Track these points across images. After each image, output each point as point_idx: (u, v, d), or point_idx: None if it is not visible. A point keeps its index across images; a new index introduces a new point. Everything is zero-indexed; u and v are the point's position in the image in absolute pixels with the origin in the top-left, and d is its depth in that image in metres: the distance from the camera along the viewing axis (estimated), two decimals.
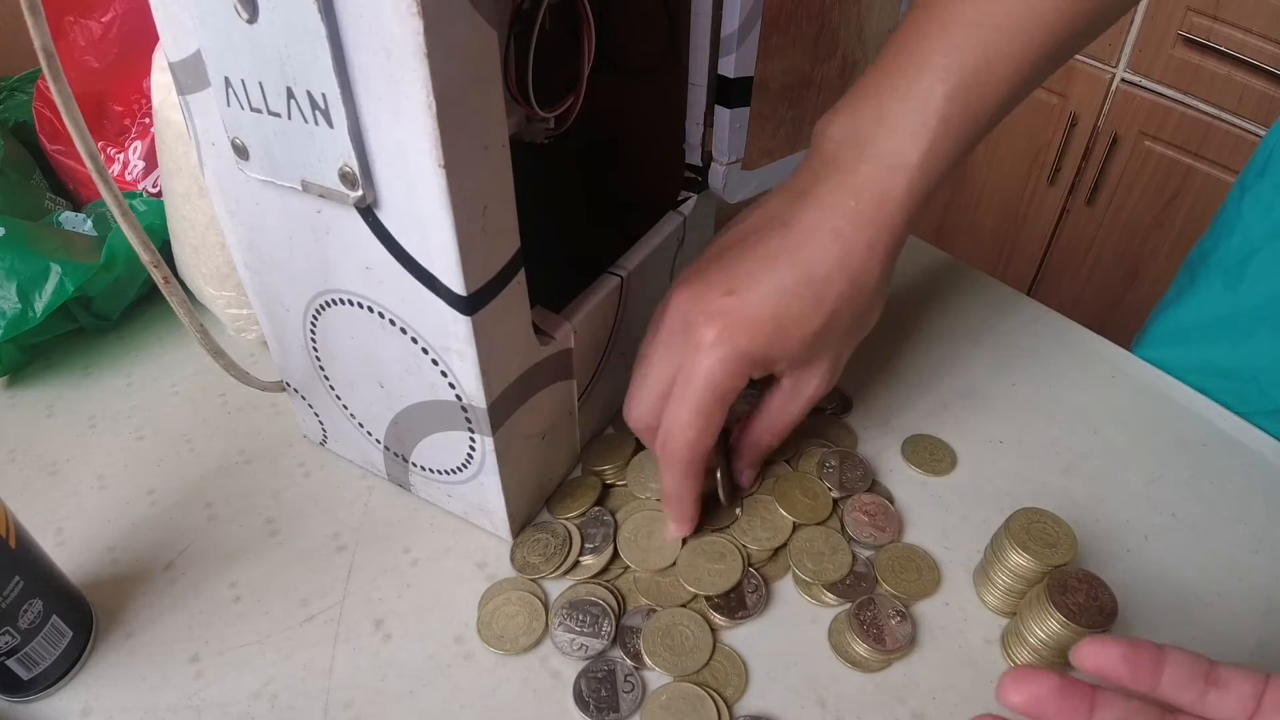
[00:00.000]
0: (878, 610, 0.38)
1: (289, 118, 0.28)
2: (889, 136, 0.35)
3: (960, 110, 0.34)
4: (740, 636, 0.38)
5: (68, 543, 0.41)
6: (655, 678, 0.36)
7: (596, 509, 0.42)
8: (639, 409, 0.38)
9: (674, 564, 0.39)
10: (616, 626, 0.37)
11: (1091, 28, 0.36)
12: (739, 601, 0.38)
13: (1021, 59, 0.34)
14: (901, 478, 0.45)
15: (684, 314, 0.36)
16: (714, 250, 0.38)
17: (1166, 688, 0.26)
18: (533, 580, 0.39)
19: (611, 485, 0.43)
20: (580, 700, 0.35)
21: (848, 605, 0.38)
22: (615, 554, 0.40)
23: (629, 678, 0.35)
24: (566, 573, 0.39)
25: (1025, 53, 0.34)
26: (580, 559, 0.40)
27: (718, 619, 0.37)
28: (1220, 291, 0.54)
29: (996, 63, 0.34)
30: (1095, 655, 0.26)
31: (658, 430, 0.37)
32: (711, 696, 0.34)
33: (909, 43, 0.36)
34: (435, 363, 0.34)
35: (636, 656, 0.36)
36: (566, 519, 0.41)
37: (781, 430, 0.40)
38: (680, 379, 0.36)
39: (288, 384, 0.43)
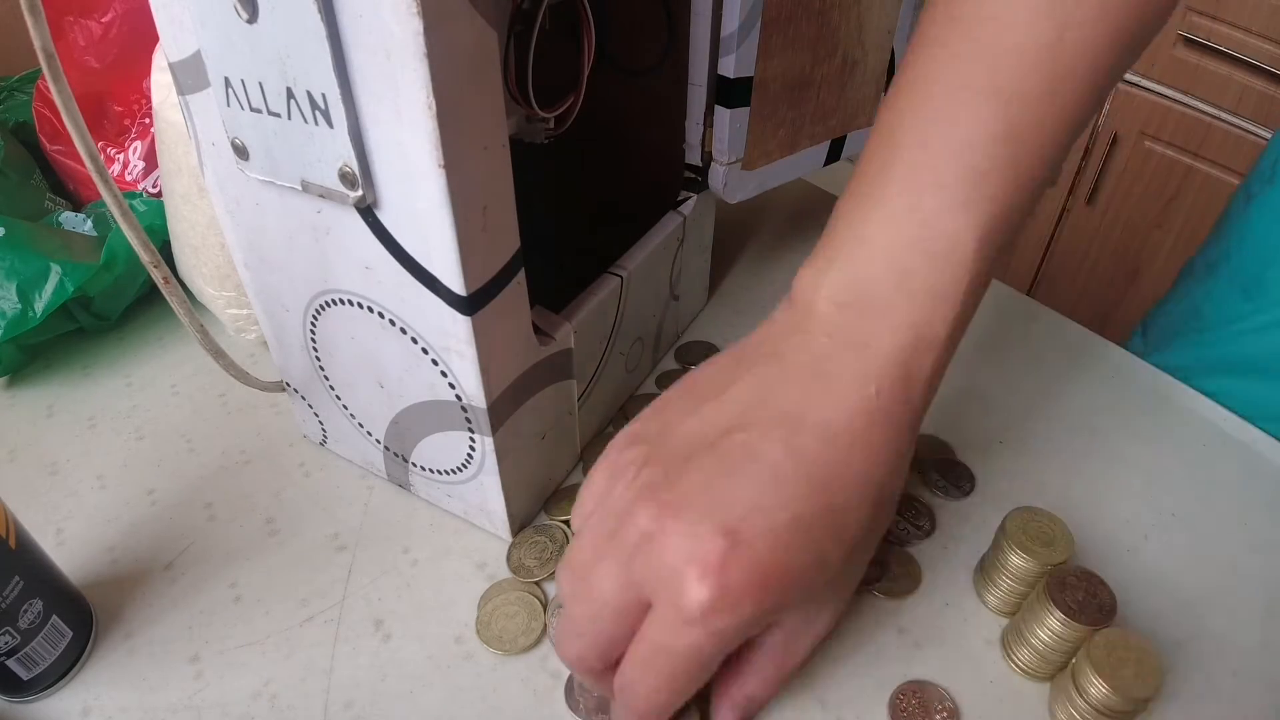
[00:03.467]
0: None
1: (289, 118, 0.28)
2: (909, 305, 0.27)
3: (991, 254, 0.27)
4: None
5: (68, 543, 0.41)
6: None
7: None
8: (586, 651, 0.28)
9: None
10: None
11: (1116, 73, 0.28)
12: None
13: (1046, 158, 0.27)
14: None
15: (673, 559, 0.26)
16: (684, 427, 0.28)
17: None
18: (531, 582, 0.39)
19: None
20: (571, 700, 0.35)
21: None
22: None
23: None
24: None
25: (1048, 154, 0.27)
26: None
27: None
28: (1239, 303, 0.54)
29: (1028, 157, 0.27)
30: None
31: (608, 673, 0.29)
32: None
33: (915, 165, 0.28)
34: (435, 363, 0.34)
35: None
36: (563, 521, 0.41)
37: (782, 680, 0.32)
38: (652, 644, 0.27)
39: (288, 384, 0.43)
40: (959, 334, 0.28)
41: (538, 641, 0.37)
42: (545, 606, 0.38)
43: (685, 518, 0.26)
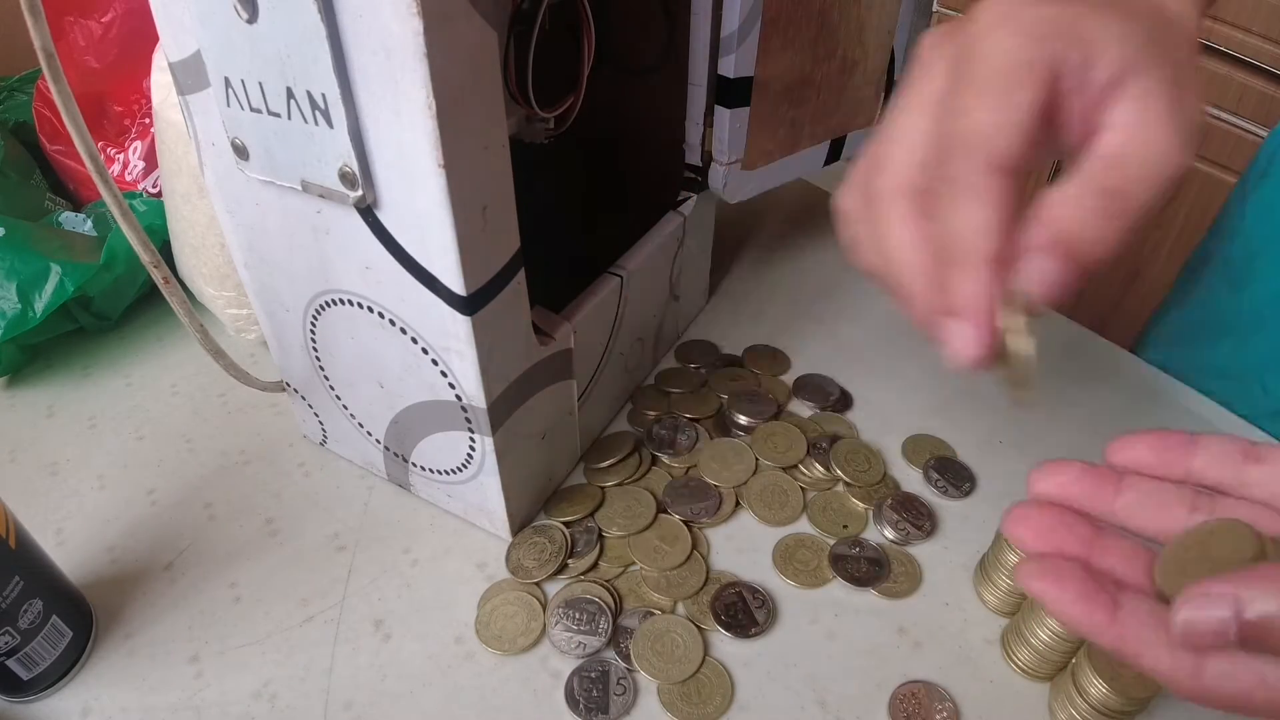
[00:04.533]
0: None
1: (289, 118, 0.28)
2: None
3: None
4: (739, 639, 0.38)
5: (68, 543, 0.41)
6: (647, 681, 0.36)
7: (589, 521, 0.41)
8: (897, 161, 0.25)
9: (695, 674, 0.36)
10: (613, 625, 0.37)
11: None
12: (748, 619, 0.37)
13: None
14: (901, 478, 0.45)
15: (937, 38, 0.26)
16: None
17: (1201, 470, 0.24)
18: (530, 583, 0.39)
19: (613, 486, 0.43)
20: (571, 699, 0.35)
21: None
22: (599, 558, 0.40)
23: (621, 680, 0.35)
24: (559, 575, 0.40)
25: None
26: (568, 562, 0.40)
27: (727, 636, 0.37)
28: (1224, 293, 0.54)
29: None
30: (1123, 449, 0.26)
31: (919, 193, 0.25)
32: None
33: None
34: (435, 363, 0.34)
35: (629, 659, 0.36)
36: (563, 522, 0.41)
37: (1127, 180, 0.23)
38: (957, 75, 0.24)
39: (288, 384, 0.43)
40: None
41: (537, 641, 0.37)
42: (544, 606, 0.38)
43: (958, 22, 0.25)
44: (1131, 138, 0.23)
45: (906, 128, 0.26)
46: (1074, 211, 0.23)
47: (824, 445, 0.45)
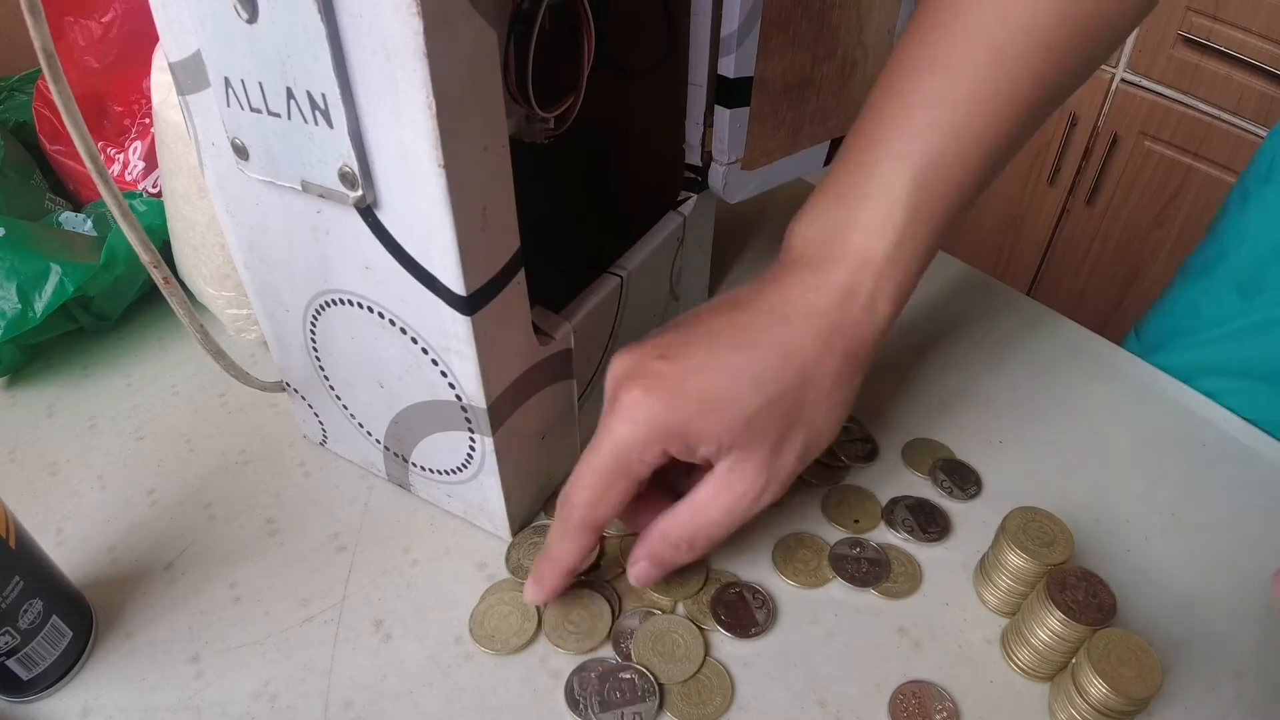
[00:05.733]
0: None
1: (289, 118, 0.28)
2: (855, 233, 0.33)
3: (928, 198, 0.33)
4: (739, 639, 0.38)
5: (68, 543, 0.41)
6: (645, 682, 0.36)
7: None
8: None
9: (697, 673, 0.36)
10: (612, 626, 0.37)
11: (1062, 90, 0.33)
12: (749, 619, 0.37)
13: (990, 134, 0.32)
14: (902, 478, 0.45)
15: (614, 377, 0.33)
16: (668, 324, 0.36)
17: None
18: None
19: None
20: (571, 699, 0.35)
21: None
22: (600, 558, 0.40)
23: (623, 675, 0.35)
24: None
25: (994, 127, 0.32)
26: None
27: (728, 636, 0.37)
28: (1236, 301, 0.54)
29: (964, 142, 0.32)
30: None
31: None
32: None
33: (872, 130, 0.34)
34: (435, 363, 0.34)
35: (629, 658, 0.36)
36: None
37: (696, 531, 0.34)
38: (593, 439, 0.33)
39: (288, 384, 0.43)
40: (903, 262, 0.33)
41: (531, 641, 0.37)
42: (538, 607, 0.38)
43: (639, 356, 0.33)
44: (715, 496, 0.33)
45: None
46: (662, 545, 0.34)
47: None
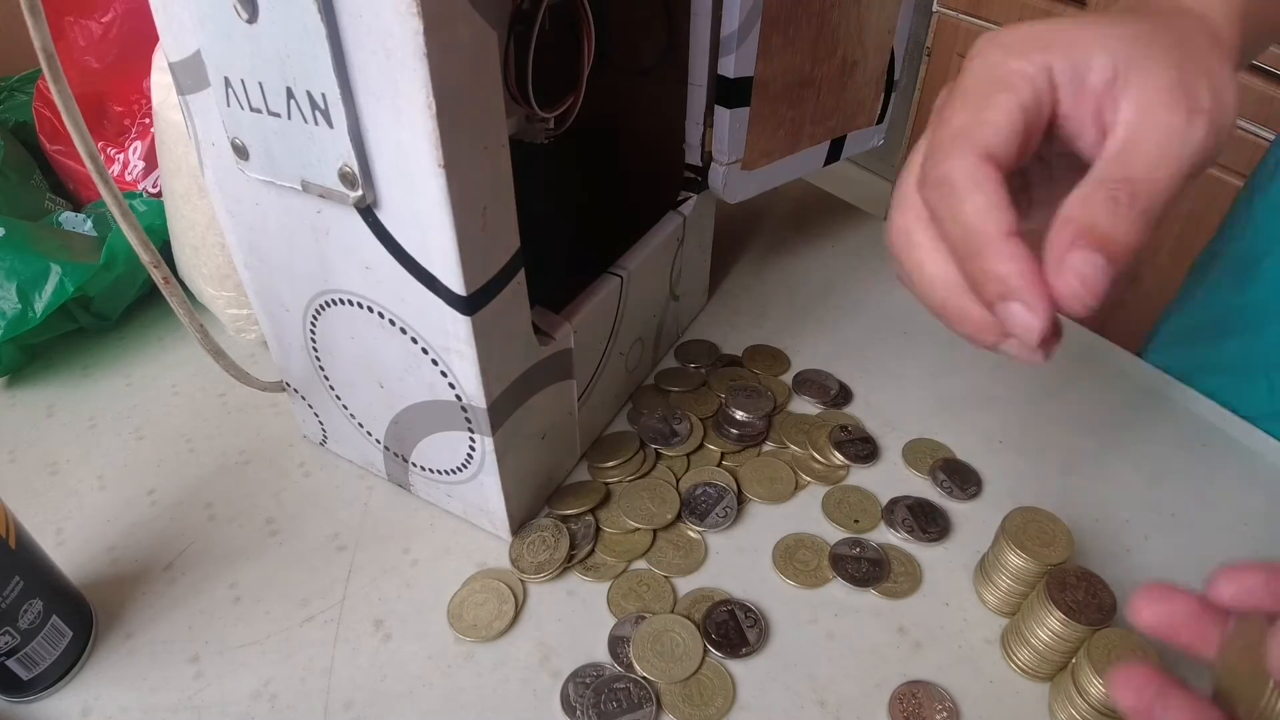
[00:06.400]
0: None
1: (289, 118, 0.28)
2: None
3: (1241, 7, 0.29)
4: None
5: (68, 543, 0.41)
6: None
7: (589, 516, 0.42)
8: (915, 177, 0.27)
9: (696, 672, 0.36)
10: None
11: None
12: (739, 638, 0.37)
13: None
14: (902, 478, 0.45)
15: (983, 48, 0.26)
16: None
17: None
18: (519, 577, 0.39)
19: (616, 483, 0.43)
20: (567, 705, 0.35)
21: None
22: (593, 551, 0.40)
23: (618, 685, 0.35)
24: (563, 573, 0.40)
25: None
26: (569, 564, 0.40)
27: (718, 655, 0.37)
28: (1231, 292, 0.54)
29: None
30: (1230, 583, 0.23)
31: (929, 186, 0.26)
32: None
33: None
34: (435, 363, 0.34)
35: (629, 666, 0.36)
36: (560, 517, 0.41)
37: (1134, 171, 0.24)
38: (949, 95, 0.26)
39: (288, 384, 0.43)
40: (1236, 26, 0.29)
41: (513, 623, 0.37)
42: (514, 591, 0.38)
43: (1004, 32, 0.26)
44: (1136, 129, 0.24)
45: (915, 155, 0.27)
46: (1092, 208, 0.23)
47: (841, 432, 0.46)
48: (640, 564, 0.40)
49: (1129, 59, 0.25)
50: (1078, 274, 0.23)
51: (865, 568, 0.40)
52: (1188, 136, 0.24)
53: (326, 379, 0.40)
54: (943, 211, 0.25)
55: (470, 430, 0.36)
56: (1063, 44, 0.25)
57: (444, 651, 0.37)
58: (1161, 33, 0.26)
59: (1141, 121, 0.24)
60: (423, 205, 0.28)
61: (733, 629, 0.37)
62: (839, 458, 0.45)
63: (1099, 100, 0.25)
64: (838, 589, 0.39)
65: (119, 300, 0.52)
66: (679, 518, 0.42)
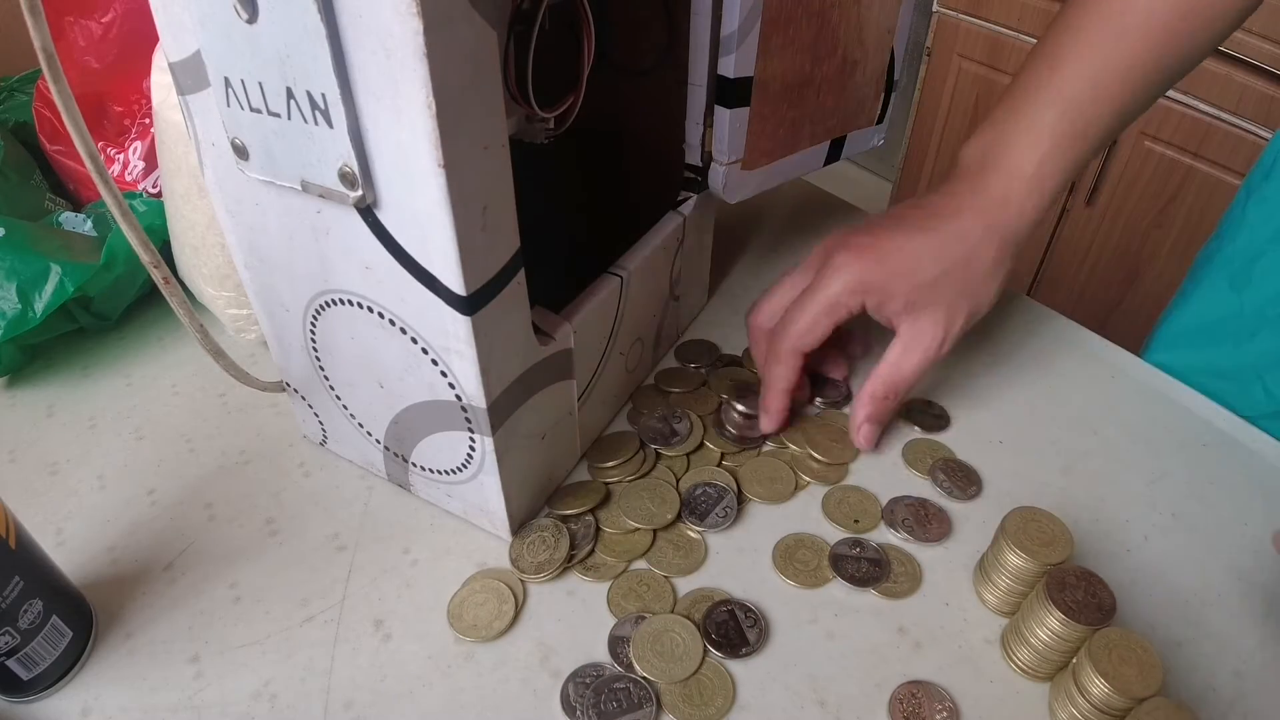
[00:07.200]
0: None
1: (289, 118, 0.28)
2: (1009, 152, 0.43)
3: (1068, 132, 0.42)
4: None
5: (68, 543, 0.41)
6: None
7: (589, 516, 0.42)
8: (765, 311, 0.46)
9: (697, 671, 0.36)
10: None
11: (1194, 50, 0.42)
12: (739, 638, 0.37)
13: (1119, 92, 0.42)
14: (902, 478, 0.45)
15: (826, 249, 0.44)
16: (864, 221, 0.45)
17: None
18: (519, 577, 0.39)
19: (616, 483, 0.43)
20: (567, 706, 0.35)
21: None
22: (593, 551, 0.40)
23: (618, 685, 0.35)
24: (563, 573, 0.40)
25: (1123, 87, 0.42)
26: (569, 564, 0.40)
27: (718, 655, 0.37)
28: (1226, 293, 0.54)
29: (1102, 88, 0.42)
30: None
31: (769, 334, 0.45)
32: None
33: (1026, 81, 0.43)
34: (435, 363, 0.34)
35: (629, 666, 0.36)
36: (560, 517, 0.41)
37: (896, 383, 0.43)
38: (807, 290, 0.43)
39: (288, 384, 0.43)
40: (1048, 177, 0.42)
41: (512, 623, 0.37)
42: (514, 591, 0.38)
43: (847, 236, 0.44)
44: (902, 355, 0.43)
45: (774, 301, 0.47)
46: (871, 404, 0.44)
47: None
48: (640, 564, 0.40)
49: (917, 302, 0.42)
50: (865, 436, 0.45)
51: (865, 568, 0.40)
52: (937, 354, 0.43)
53: (326, 379, 0.40)
54: (766, 360, 0.45)
55: (470, 430, 0.36)
56: (878, 288, 0.42)
57: (444, 651, 0.37)
58: (954, 275, 0.42)
59: (907, 347, 0.43)
60: (423, 205, 0.28)
61: (733, 629, 0.37)
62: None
63: (890, 318, 0.43)
64: (838, 589, 0.39)
65: (119, 300, 0.52)
66: (679, 518, 0.42)
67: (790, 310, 0.43)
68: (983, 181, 0.43)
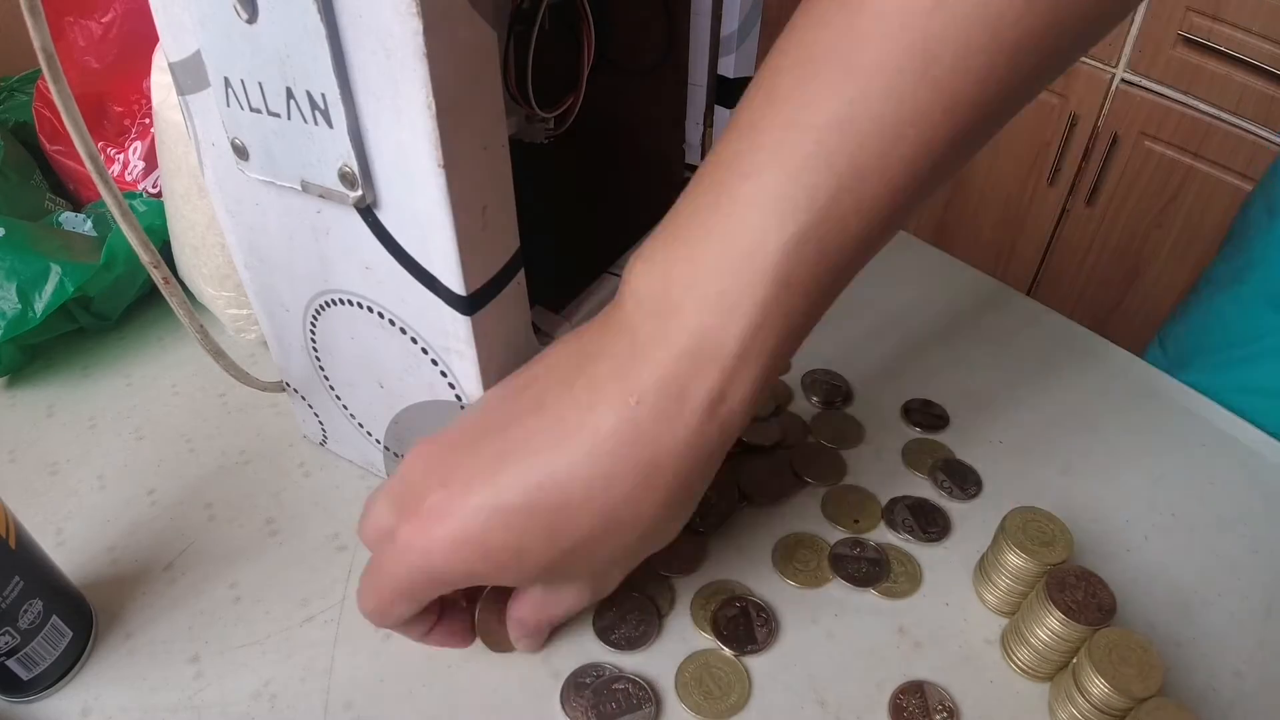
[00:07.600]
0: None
1: (289, 118, 0.28)
2: (700, 308, 0.24)
3: (809, 267, 0.23)
4: None
5: (68, 543, 0.41)
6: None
7: None
8: (363, 533, 0.31)
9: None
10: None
11: (1017, 101, 0.24)
12: (749, 636, 0.37)
13: (898, 180, 0.23)
14: (902, 478, 0.45)
15: (405, 480, 0.29)
16: (485, 396, 0.30)
17: None
18: None
19: None
20: (567, 705, 0.35)
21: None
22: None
23: (617, 685, 0.35)
24: None
25: (913, 154, 0.22)
26: None
27: (728, 653, 0.37)
28: (1270, 315, 0.53)
29: (864, 183, 0.22)
30: None
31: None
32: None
33: (734, 157, 0.24)
34: (435, 363, 0.34)
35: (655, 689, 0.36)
36: None
37: (540, 622, 0.34)
38: (374, 556, 0.30)
39: (288, 384, 0.43)
40: (763, 355, 0.24)
41: None
42: None
43: (427, 468, 0.29)
44: (538, 602, 0.33)
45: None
46: (518, 629, 0.35)
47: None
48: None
49: (535, 579, 0.31)
50: (526, 648, 0.36)
51: (865, 568, 0.40)
52: (585, 605, 0.34)
53: (326, 379, 0.40)
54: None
55: None
56: (472, 577, 0.29)
57: (444, 652, 0.37)
58: (580, 551, 0.28)
59: (547, 602, 0.33)
60: (423, 205, 0.28)
61: (743, 626, 0.37)
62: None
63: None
64: (837, 589, 0.39)
65: (119, 300, 0.52)
66: None
67: (362, 578, 0.31)
68: (644, 359, 0.25)
